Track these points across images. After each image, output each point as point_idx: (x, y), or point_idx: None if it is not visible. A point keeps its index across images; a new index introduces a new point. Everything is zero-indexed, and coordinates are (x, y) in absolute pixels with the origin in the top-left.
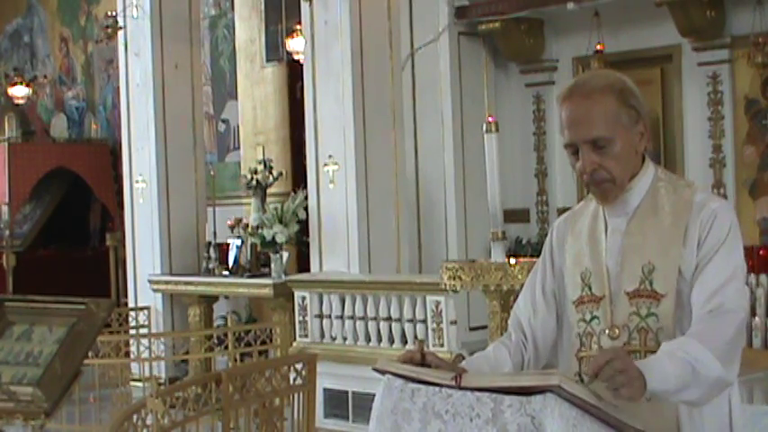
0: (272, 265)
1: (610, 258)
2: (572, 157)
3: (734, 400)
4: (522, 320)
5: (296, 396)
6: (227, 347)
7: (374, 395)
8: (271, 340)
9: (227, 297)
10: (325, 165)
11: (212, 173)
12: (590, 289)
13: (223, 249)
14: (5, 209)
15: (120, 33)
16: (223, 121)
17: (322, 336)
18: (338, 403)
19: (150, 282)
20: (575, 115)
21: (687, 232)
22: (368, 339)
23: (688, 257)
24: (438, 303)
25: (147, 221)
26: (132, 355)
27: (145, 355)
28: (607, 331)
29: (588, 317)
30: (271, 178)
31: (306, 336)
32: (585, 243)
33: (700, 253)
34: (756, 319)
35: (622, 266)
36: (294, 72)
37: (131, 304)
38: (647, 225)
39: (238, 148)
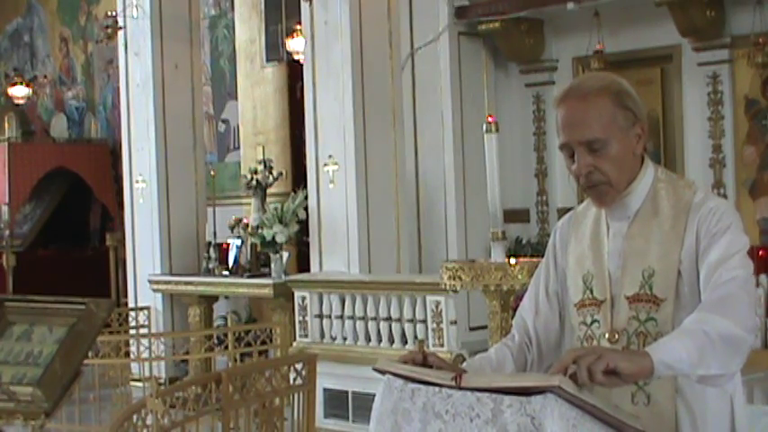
0: (272, 265)
1: (611, 262)
2: (568, 159)
3: (737, 403)
4: (527, 321)
5: (296, 396)
6: (227, 347)
7: (374, 395)
8: (271, 340)
9: (227, 297)
10: (325, 165)
11: (212, 173)
12: (591, 292)
13: (223, 249)
14: (5, 209)
15: (120, 33)
16: (223, 121)
17: (322, 336)
18: (338, 403)
19: (150, 282)
20: (570, 117)
21: (685, 233)
22: (368, 339)
23: (687, 259)
24: (438, 303)
25: (147, 221)
26: (132, 355)
27: (145, 355)
28: (606, 335)
29: (589, 320)
30: (271, 178)
31: (306, 336)
32: (588, 246)
33: (702, 244)
34: (756, 319)
35: (623, 270)
36: (294, 72)
37: (131, 304)
38: (647, 228)
39: (238, 148)
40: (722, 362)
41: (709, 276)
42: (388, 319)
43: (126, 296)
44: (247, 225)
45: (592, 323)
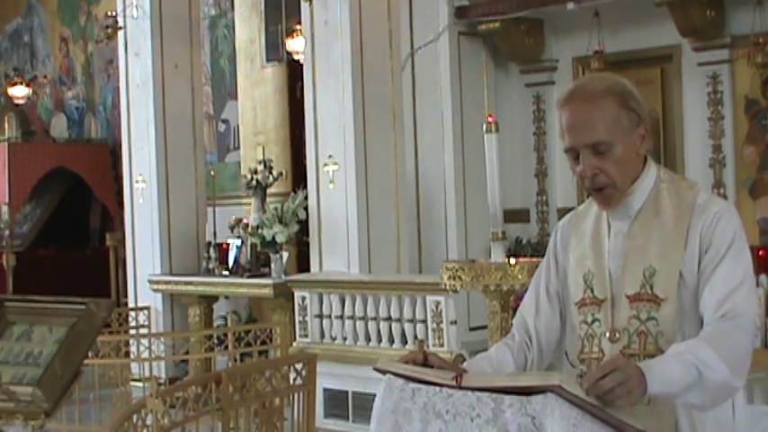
0: (272, 265)
1: (612, 261)
2: (573, 161)
3: (738, 404)
4: (527, 320)
5: (296, 396)
6: (227, 347)
7: (374, 395)
8: (271, 340)
9: (227, 297)
10: (325, 165)
11: (212, 173)
12: (592, 291)
13: (223, 249)
14: (5, 209)
15: (120, 33)
16: (223, 121)
17: (322, 336)
18: (338, 403)
19: (150, 282)
20: (575, 119)
21: (689, 235)
22: (368, 339)
23: (689, 261)
24: (438, 303)
25: (147, 221)
26: (132, 355)
27: (145, 355)
28: (607, 334)
29: (590, 319)
30: (271, 178)
31: (306, 336)
32: (588, 245)
33: (705, 257)
34: (756, 319)
35: (624, 270)
36: (294, 72)
37: (131, 304)
38: (649, 228)
39: (238, 148)
40: (704, 401)
41: (717, 304)
42: (388, 319)
43: (126, 296)
44: (247, 225)
45: (593, 322)
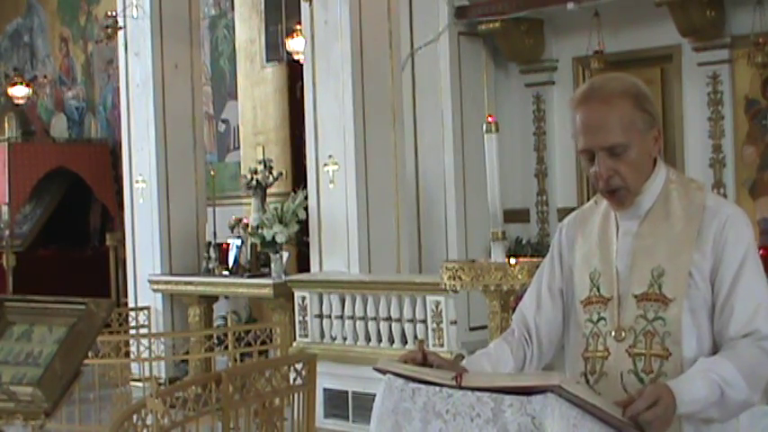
0: (272, 265)
1: (620, 260)
2: (587, 162)
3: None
4: (527, 316)
5: (296, 396)
6: (227, 347)
7: (374, 395)
8: (271, 340)
9: (227, 297)
10: (325, 165)
11: (212, 173)
12: (598, 290)
13: (223, 249)
14: (5, 209)
15: (120, 33)
16: (223, 121)
17: (322, 336)
18: (338, 403)
19: (150, 282)
20: (591, 121)
21: (700, 237)
22: (368, 339)
23: (700, 262)
24: (438, 303)
25: (147, 221)
26: (132, 355)
27: (145, 355)
28: (613, 333)
29: (595, 317)
30: (271, 178)
31: (306, 336)
32: (596, 244)
33: (721, 268)
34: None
35: (632, 269)
36: (294, 72)
37: (131, 304)
38: (658, 228)
39: (238, 148)
40: (720, 416)
41: (741, 325)
42: (388, 319)
43: (126, 296)
44: (247, 225)
45: (598, 320)
